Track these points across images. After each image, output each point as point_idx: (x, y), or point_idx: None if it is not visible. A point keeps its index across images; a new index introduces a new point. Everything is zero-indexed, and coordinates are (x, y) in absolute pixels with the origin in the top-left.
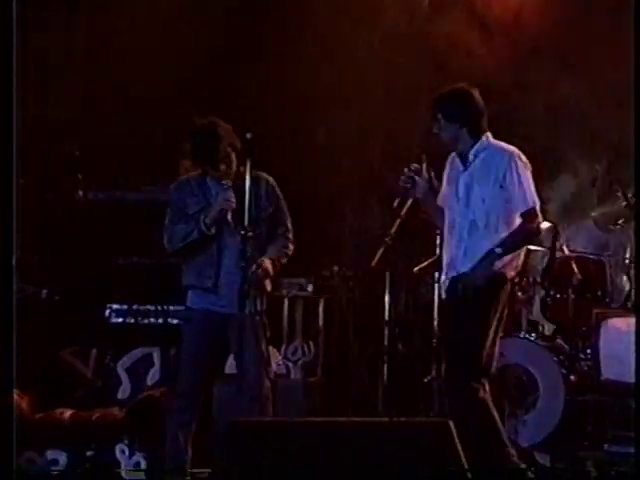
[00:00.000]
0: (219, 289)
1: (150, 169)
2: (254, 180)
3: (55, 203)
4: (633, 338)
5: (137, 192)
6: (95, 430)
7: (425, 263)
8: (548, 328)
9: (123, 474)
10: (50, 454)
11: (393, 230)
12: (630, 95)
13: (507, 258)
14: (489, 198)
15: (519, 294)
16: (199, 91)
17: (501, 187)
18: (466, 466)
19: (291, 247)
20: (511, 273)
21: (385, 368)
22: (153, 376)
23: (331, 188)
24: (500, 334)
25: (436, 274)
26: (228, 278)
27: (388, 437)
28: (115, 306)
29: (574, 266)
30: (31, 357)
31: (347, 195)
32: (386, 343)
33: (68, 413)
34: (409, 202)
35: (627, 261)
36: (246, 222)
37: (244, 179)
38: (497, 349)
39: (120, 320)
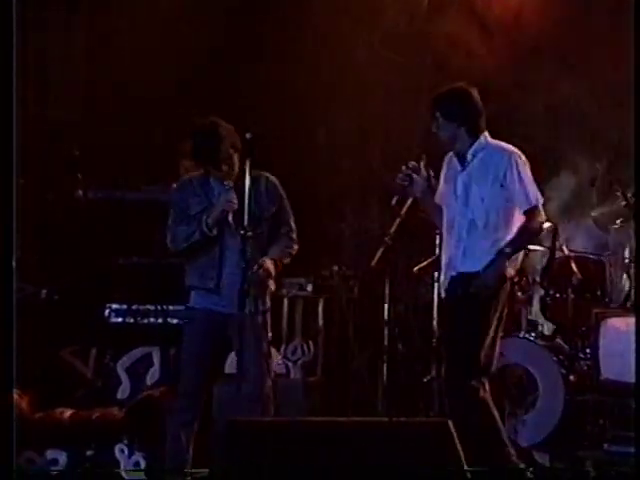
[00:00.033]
0: (221, 289)
1: (150, 169)
2: (255, 180)
3: (55, 203)
4: (633, 338)
5: (137, 192)
6: (95, 430)
7: (425, 263)
8: (548, 328)
9: (123, 474)
10: (50, 454)
11: (393, 230)
12: (630, 95)
13: None
14: (488, 197)
15: (519, 294)
16: (199, 91)
17: (501, 186)
18: (466, 466)
19: (295, 247)
20: (511, 272)
21: (385, 368)
22: (153, 376)
23: (331, 188)
24: (500, 334)
25: (436, 274)
26: (230, 279)
27: (388, 437)
28: (115, 306)
29: (574, 266)
30: (31, 357)
31: (347, 195)
32: (386, 343)
33: (68, 413)
34: (409, 202)
35: (627, 261)
36: (246, 222)
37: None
38: (498, 349)
39: (120, 320)
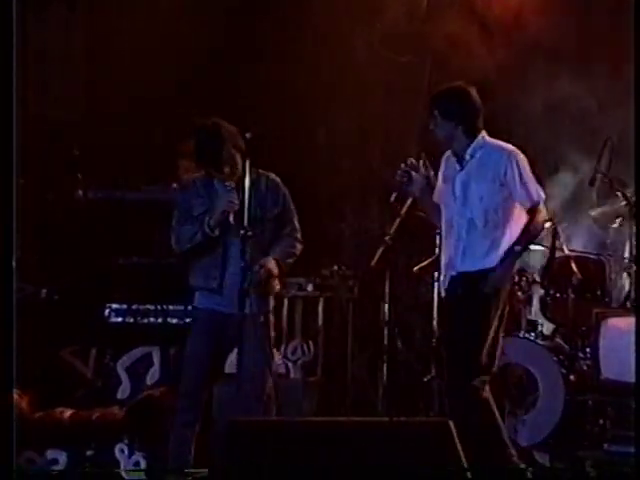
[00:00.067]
0: (224, 290)
1: (150, 169)
2: (256, 180)
3: (55, 203)
4: (633, 338)
5: (137, 192)
6: (95, 430)
7: (425, 262)
8: (547, 327)
9: (123, 474)
10: (50, 454)
11: (393, 230)
12: (630, 95)
13: None
14: (487, 196)
15: (519, 293)
16: (199, 91)
17: (501, 185)
18: (466, 466)
19: (298, 246)
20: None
21: (385, 368)
22: (153, 376)
23: (331, 188)
24: (501, 333)
25: (435, 273)
26: (233, 279)
27: (388, 437)
28: (115, 306)
29: (574, 265)
30: (31, 357)
31: (347, 195)
32: (386, 343)
33: (68, 413)
34: (409, 201)
35: (627, 260)
36: (245, 222)
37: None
38: (499, 348)
39: (120, 320)
